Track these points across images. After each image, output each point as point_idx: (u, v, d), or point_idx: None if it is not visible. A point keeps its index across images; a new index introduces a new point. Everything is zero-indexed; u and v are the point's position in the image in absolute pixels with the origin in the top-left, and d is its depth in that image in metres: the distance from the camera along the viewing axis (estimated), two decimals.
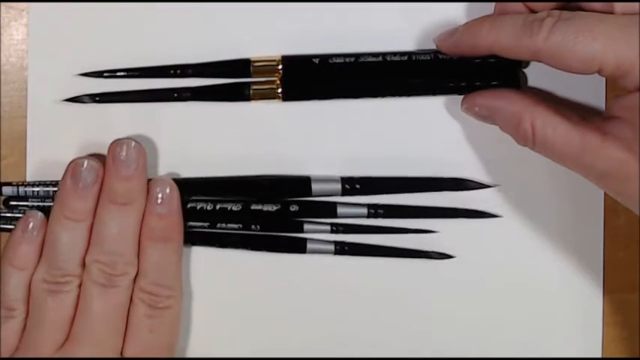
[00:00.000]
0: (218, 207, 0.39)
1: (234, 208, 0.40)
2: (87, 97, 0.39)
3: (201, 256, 0.41)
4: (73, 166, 0.37)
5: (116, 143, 0.38)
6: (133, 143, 0.38)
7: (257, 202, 0.40)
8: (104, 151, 0.38)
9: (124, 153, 0.37)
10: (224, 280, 0.41)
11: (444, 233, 0.41)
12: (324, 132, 0.41)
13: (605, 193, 0.41)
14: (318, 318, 0.41)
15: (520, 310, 0.42)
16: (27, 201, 0.40)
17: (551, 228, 0.41)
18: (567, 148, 0.35)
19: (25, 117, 0.40)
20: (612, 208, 0.41)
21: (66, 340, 0.37)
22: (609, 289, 0.42)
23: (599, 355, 0.42)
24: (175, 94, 0.40)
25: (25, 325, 0.38)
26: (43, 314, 0.37)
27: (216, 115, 0.40)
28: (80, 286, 0.37)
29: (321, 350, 0.41)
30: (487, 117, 0.39)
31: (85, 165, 0.37)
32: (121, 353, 0.38)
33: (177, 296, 0.39)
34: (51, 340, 0.37)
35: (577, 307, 0.42)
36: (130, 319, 0.38)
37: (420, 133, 0.41)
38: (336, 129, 0.41)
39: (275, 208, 0.40)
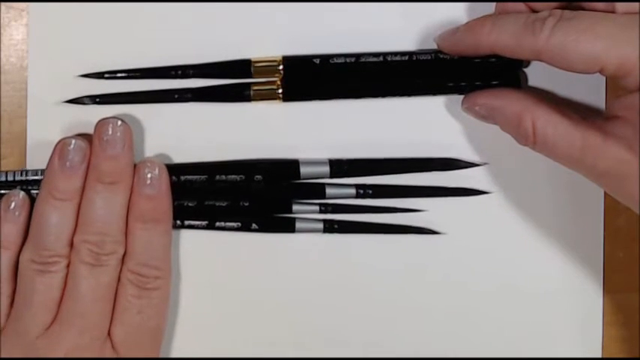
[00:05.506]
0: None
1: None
2: (87, 99, 0.39)
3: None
4: (61, 146, 0.37)
5: (102, 122, 0.38)
6: (119, 122, 0.38)
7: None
8: None
9: (110, 132, 0.37)
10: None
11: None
12: (325, 133, 0.41)
13: (605, 193, 0.41)
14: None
15: (520, 310, 0.42)
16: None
17: (551, 228, 0.42)
18: (568, 148, 0.36)
19: (25, 117, 0.39)
20: (612, 208, 0.42)
21: (53, 320, 0.37)
22: (609, 288, 0.42)
23: (599, 355, 0.42)
24: (176, 95, 0.40)
25: (10, 304, 0.38)
26: (31, 295, 0.37)
27: (216, 115, 0.40)
28: (68, 266, 0.37)
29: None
30: (487, 117, 0.39)
31: (72, 145, 0.37)
32: (109, 334, 0.38)
33: (166, 277, 0.39)
34: (39, 321, 0.37)
35: (577, 306, 0.42)
36: (117, 300, 0.38)
37: (419, 132, 0.41)
38: (337, 130, 0.41)
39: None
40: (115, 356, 0.38)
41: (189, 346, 0.41)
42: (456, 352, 0.42)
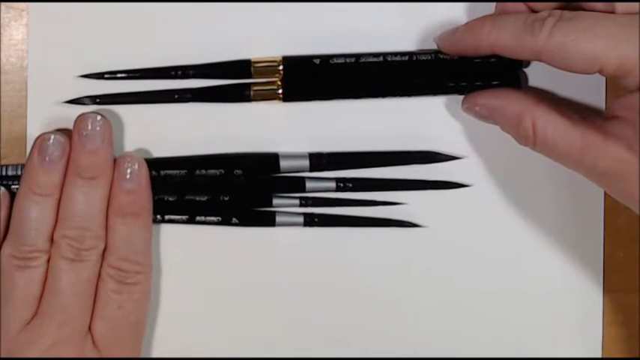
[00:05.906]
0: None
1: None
2: (88, 99, 0.39)
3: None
4: (40, 141, 0.38)
5: (81, 117, 0.38)
6: (99, 117, 0.38)
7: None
8: None
9: (89, 127, 0.38)
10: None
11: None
12: (324, 133, 0.41)
13: (605, 193, 0.41)
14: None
15: (519, 310, 0.42)
16: None
17: (551, 228, 0.42)
18: (568, 148, 0.36)
19: (25, 117, 0.40)
20: (612, 208, 0.42)
21: (34, 315, 0.37)
22: (609, 288, 0.42)
23: (599, 355, 0.42)
24: (176, 96, 0.40)
25: None
26: (11, 290, 0.37)
27: (216, 115, 0.40)
28: (49, 261, 0.38)
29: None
30: (488, 117, 0.39)
31: (51, 140, 0.37)
32: (89, 329, 0.38)
33: (147, 272, 0.39)
34: (19, 316, 0.37)
35: (577, 306, 0.42)
36: (98, 295, 0.38)
37: (420, 133, 0.41)
38: (337, 131, 0.41)
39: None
40: (95, 351, 0.38)
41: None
42: (454, 352, 0.42)
